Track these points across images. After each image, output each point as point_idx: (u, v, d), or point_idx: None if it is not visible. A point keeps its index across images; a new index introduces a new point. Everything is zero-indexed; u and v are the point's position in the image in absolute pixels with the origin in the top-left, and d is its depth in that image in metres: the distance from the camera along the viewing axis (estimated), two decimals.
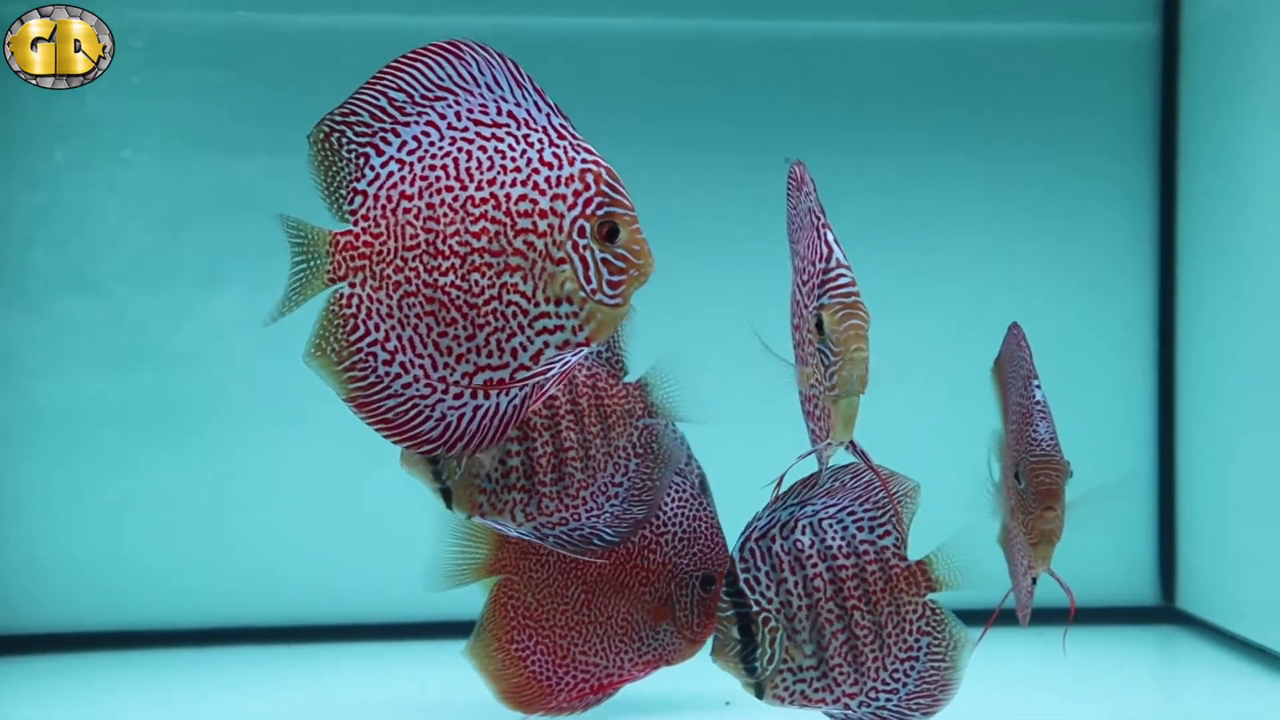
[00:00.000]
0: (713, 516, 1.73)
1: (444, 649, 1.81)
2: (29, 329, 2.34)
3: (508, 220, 1.34)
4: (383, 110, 1.38)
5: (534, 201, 1.33)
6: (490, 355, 1.35)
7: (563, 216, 1.33)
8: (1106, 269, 2.53)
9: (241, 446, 2.37)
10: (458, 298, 1.35)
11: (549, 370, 1.34)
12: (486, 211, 1.34)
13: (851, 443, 1.44)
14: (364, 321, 1.38)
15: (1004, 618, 1.62)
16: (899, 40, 2.49)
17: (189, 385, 2.36)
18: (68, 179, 2.35)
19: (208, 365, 2.36)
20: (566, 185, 1.33)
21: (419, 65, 1.38)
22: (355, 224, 1.39)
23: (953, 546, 1.50)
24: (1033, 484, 1.50)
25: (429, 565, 1.69)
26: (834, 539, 1.49)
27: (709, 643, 1.55)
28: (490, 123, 1.36)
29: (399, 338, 1.37)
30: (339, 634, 2.38)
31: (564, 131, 1.35)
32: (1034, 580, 1.56)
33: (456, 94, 1.38)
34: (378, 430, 1.39)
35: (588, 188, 1.33)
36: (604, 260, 1.33)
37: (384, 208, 1.38)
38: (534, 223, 1.33)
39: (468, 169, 1.35)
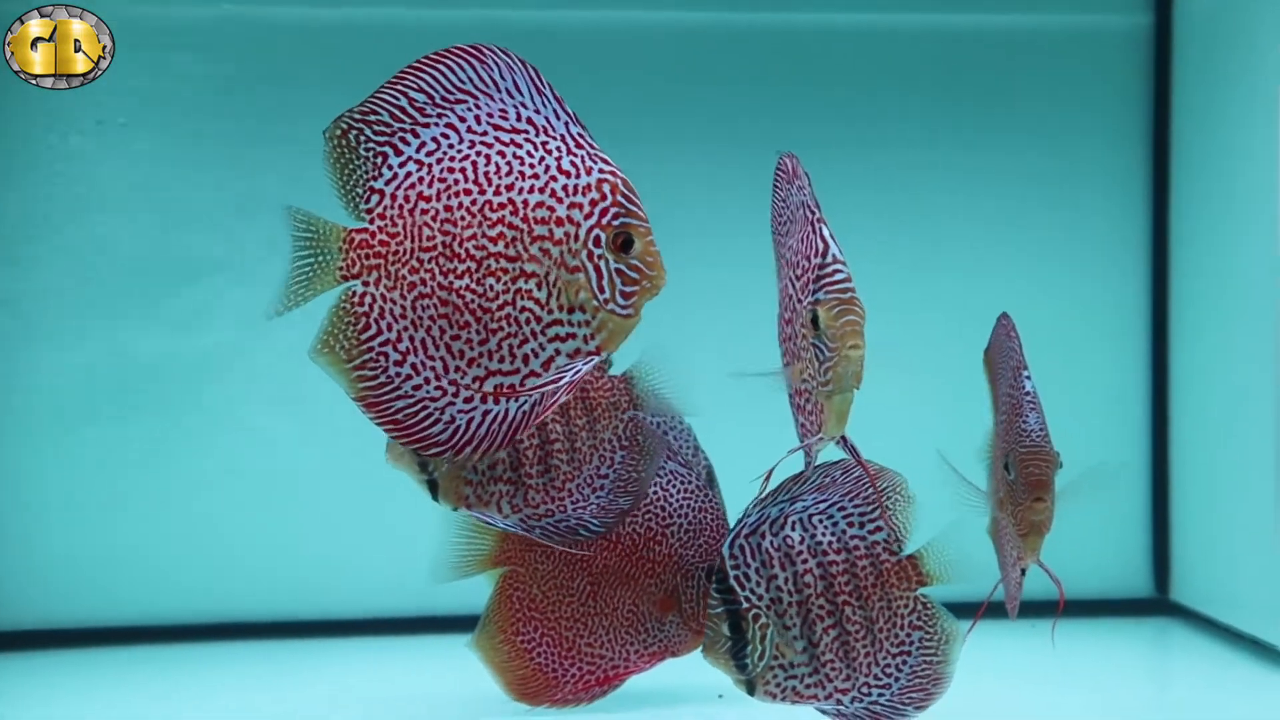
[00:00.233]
0: (719, 508, 1.73)
1: (448, 643, 1.80)
2: (25, 327, 2.33)
3: (524, 226, 1.34)
4: (403, 110, 1.39)
5: (551, 209, 1.34)
6: (502, 360, 1.36)
7: (579, 225, 1.34)
8: (1099, 261, 2.54)
9: (243, 440, 2.36)
10: (472, 301, 1.36)
11: (561, 378, 1.35)
12: (504, 217, 1.35)
13: (842, 437, 1.44)
14: (376, 321, 1.38)
15: (997, 610, 1.62)
16: (891, 32, 2.49)
17: (190, 380, 2.36)
18: (61, 172, 2.34)
19: (208, 358, 2.36)
20: (583, 194, 1.34)
21: (440, 67, 1.39)
22: (371, 222, 1.39)
23: (943, 541, 1.50)
24: (1022, 475, 1.51)
25: (434, 557, 1.70)
26: (824, 535, 1.49)
27: None
28: (510, 128, 1.37)
29: (411, 339, 1.37)
30: (343, 629, 2.38)
31: (581, 140, 1.36)
32: (1023, 572, 1.56)
33: (477, 97, 1.38)
34: (386, 430, 1.40)
35: (604, 198, 1.34)
36: (618, 270, 1.34)
37: (401, 208, 1.38)
38: (550, 230, 1.34)
39: (486, 173, 1.36)
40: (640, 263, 1.34)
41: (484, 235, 1.35)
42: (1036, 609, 1.67)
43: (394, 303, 1.38)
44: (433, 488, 1.60)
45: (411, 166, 1.38)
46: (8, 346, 2.33)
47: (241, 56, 2.37)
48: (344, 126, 1.39)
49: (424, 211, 1.37)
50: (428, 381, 1.37)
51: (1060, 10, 2.52)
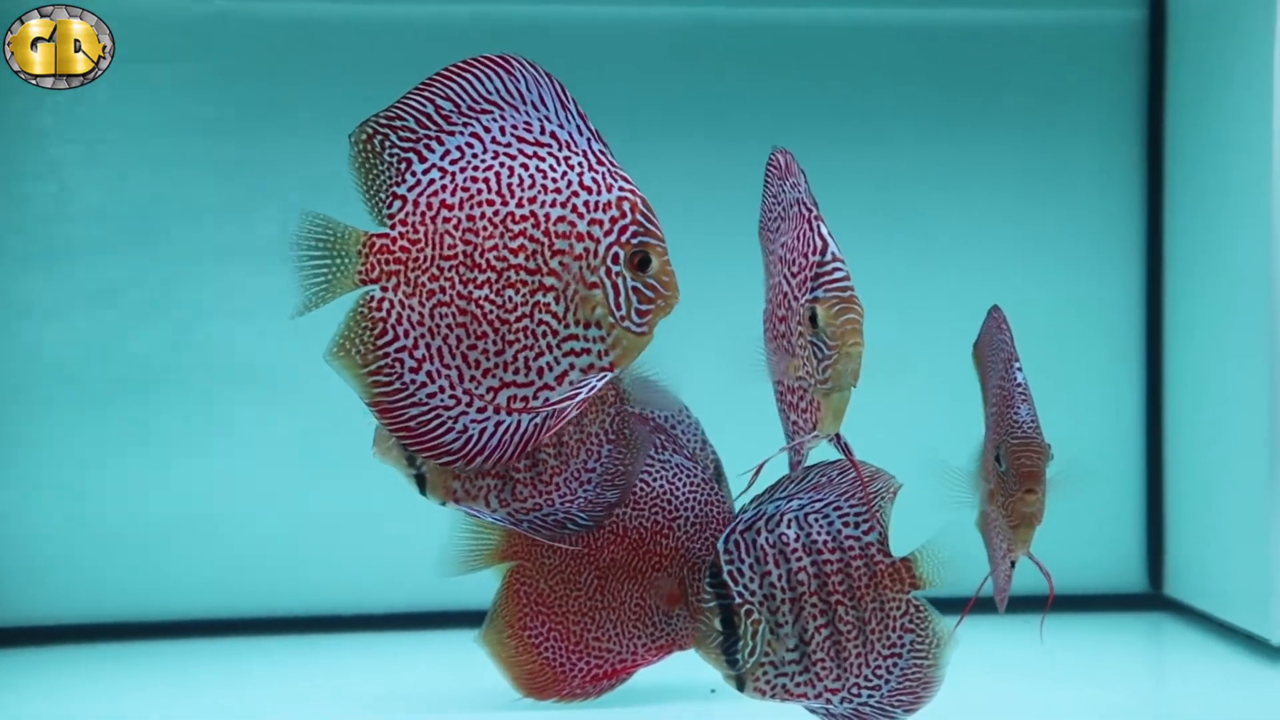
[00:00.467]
0: (726, 502, 1.73)
1: (448, 639, 1.80)
2: (16, 324, 2.33)
3: (545, 240, 1.35)
4: (428, 117, 1.39)
5: (572, 224, 1.35)
6: (517, 372, 1.37)
7: (598, 241, 1.35)
8: (1093, 256, 2.54)
9: (248, 434, 2.36)
10: (490, 312, 1.36)
11: (575, 395, 1.36)
12: (526, 229, 1.36)
13: (836, 436, 1.44)
14: (394, 327, 1.38)
15: (988, 605, 1.62)
16: (884, 27, 2.48)
17: (192, 375, 2.35)
18: (49, 168, 2.33)
19: (211, 352, 2.36)
20: (604, 211, 1.35)
21: (468, 76, 1.39)
22: (392, 228, 1.39)
23: (937, 543, 1.50)
24: (1013, 466, 1.50)
25: (441, 552, 1.70)
26: (819, 533, 1.49)
27: None
28: (533, 141, 1.38)
29: (428, 346, 1.38)
30: (349, 624, 2.38)
31: (603, 157, 1.37)
32: (1013, 564, 1.56)
33: (503, 109, 1.39)
34: (399, 437, 1.40)
35: (624, 215, 1.35)
36: (634, 288, 1.35)
37: (423, 215, 1.38)
38: (570, 245, 1.35)
39: (509, 185, 1.37)
40: (656, 281, 1.36)
41: (505, 246, 1.36)
42: (1030, 603, 1.67)
43: (412, 309, 1.38)
44: (420, 482, 1.59)
45: (435, 174, 1.39)
46: None
47: (233, 51, 2.36)
48: (369, 131, 1.39)
49: (446, 220, 1.37)
50: (442, 390, 1.38)
51: (1054, 5, 2.51)
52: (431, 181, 1.39)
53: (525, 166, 1.37)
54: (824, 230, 1.41)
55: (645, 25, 2.44)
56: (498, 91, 1.38)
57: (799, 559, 1.48)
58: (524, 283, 1.36)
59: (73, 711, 1.90)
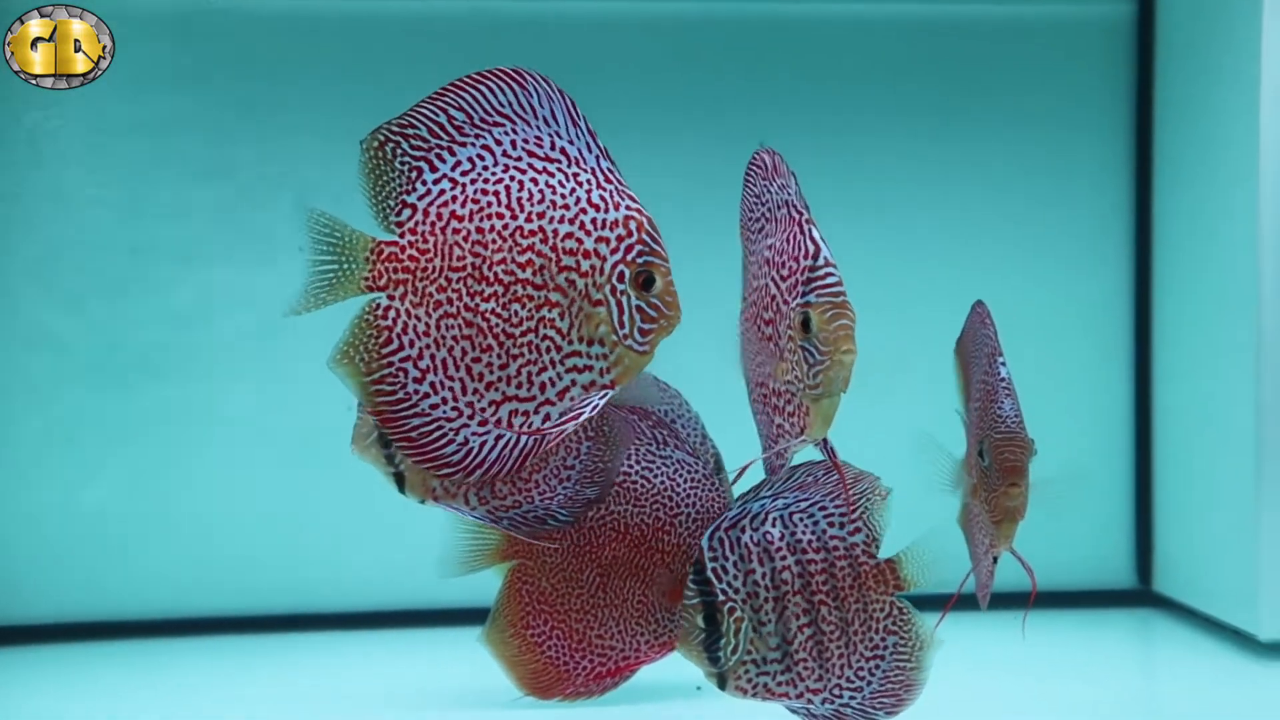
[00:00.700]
0: (726, 497, 1.72)
1: (457, 635, 1.79)
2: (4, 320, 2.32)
3: (553, 256, 1.36)
4: (441, 127, 1.39)
5: (579, 241, 1.36)
6: (519, 386, 1.37)
7: (605, 259, 1.36)
8: (1083, 252, 2.55)
9: (246, 430, 2.37)
10: (496, 325, 1.37)
11: (579, 415, 1.36)
12: (534, 244, 1.36)
13: (823, 439, 1.43)
14: (399, 336, 1.38)
15: (969, 601, 1.62)
16: (872, 22, 2.48)
17: (188, 372, 2.36)
18: (33, 166, 2.33)
19: (203, 349, 2.36)
20: (611, 230, 1.36)
21: (482, 88, 1.39)
22: (401, 236, 1.39)
23: (923, 545, 1.49)
24: (997, 461, 1.51)
25: (442, 552, 1.70)
26: (804, 533, 1.49)
27: None
28: (544, 156, 1.38)
29: (432, 357, 1.38)
30: (349, 622, 2.39)
31: (611, 176, 1.38)
32: (995, 560, 1.56)
33: (514, 122, 1.39)
34: (399, 447, 1.40)
35: (630, 234, 1.36)
36: (638, 307, 1.36)
37: (433, 225, 1.38)
38: (577, 261, 1.36)
39: (519, 199, 1.37)
40: (660, 301, 1.37)
41: (513, 261, 1.36)
42: (1020, 600, 1.67)
43: (418, 319, 1.38)
44: (399, 480, 1.58)
45: (445, 184, 1.39)
46: None
47: (218, 44, 2.36)
48: (381, 138, 1.39)
49: (456, 231, 1.37)
50: (445, 401, 1.38)
51: (1043, 0, 2.50)
52: (442, 192, 1.39)
53: (535, 181, 1.37)
54: (816, 234, 1.41)
55: (638, 21, 2.44)
56: (510, 105, 1.39)
57: (783, 557, 1.48)
58: (530, 297, 1.36)
59: (73, 711, 1.90)
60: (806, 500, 1.51)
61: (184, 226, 2.35)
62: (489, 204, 1.37)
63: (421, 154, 1.39)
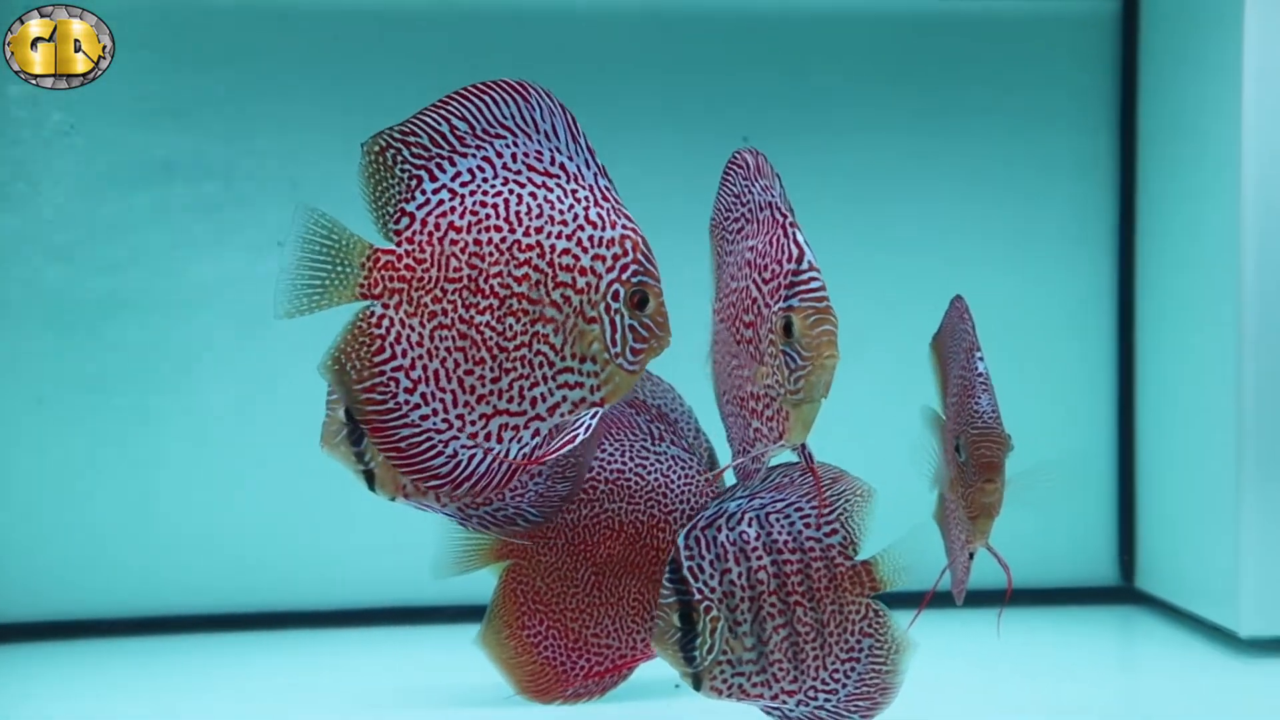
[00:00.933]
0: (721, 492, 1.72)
1: (451, 633, 1.78)
2: None
3: (549, 271, 1.36)
4: (443, 136, 1.38)
5: (576, 258, 1.36)
6: (511, 400, 1.37)
7: (600, 277, 1.36)
8: (1066, 247, 2.55)
9: (244, 428, 2.37)
10: (490, 339, 1.36)
11: (575, 437, 1.36)
12: (531, 259, 1.36)
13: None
14: (392, 345, 1.37)
15: (965, 598, 1.62)
16: (854, 16, 2.47)
17: (184, 369, 2.35)
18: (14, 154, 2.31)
19: (201, 347, 2.36)
20: (607, 248, 1.36)
21: (485, 99, 1.38)
22: (399, 244, 1.38)
23: (900, 547, 1.49)
24: (973, 457, 1.51)
25: (436, 552, 1.69)
26: (780, 533, 1.49)
27: None
28: (543, 170, 1.38)
29: (425, 368, 1.37)
30: (343, 619, 2.39)
31: (608, 194, 1.38)
32: (971, 556, 1.55)
33: (516, 134, 1.38)
34: (387, 457, 1.39)
35: (625, 254, 1.36)
36: (631, 326, 1.37)
37: (430, 234, 1.38)
38: (573, 278, 1.36)
39: (517, 212, 1.37)
40: (652, 322, 1.37)
41: (510, 274, 1.36)
42: (1013, 596, 1.67)
43: (412, 329, 1.37)
44: (369, 478, 1.57)
45: (444, 194, 1.38)
46: None
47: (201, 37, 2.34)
48: (383, 143, 1.38)
49: (454, 242, 1.37)
50: (435, 413, 1.37)
51: None
52: (441, 202, 1.38)
53: (534, 195, 1.37)
54: (800, 238, 1.40)
55: (617, 14, 2.42)
56: (512, 117, 1.38)
57: (759, 557, 1.48)
58: (525, 312, 1.36)
59: (74, 711, 1.90)
60: (783, 501, 1.50)
61: (168, 222, 2.34)
62: (487, 216, 1.37)
63: (422, 162, 1.38)
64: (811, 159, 2.43)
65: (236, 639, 2.31)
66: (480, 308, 1.36)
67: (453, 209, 1.37)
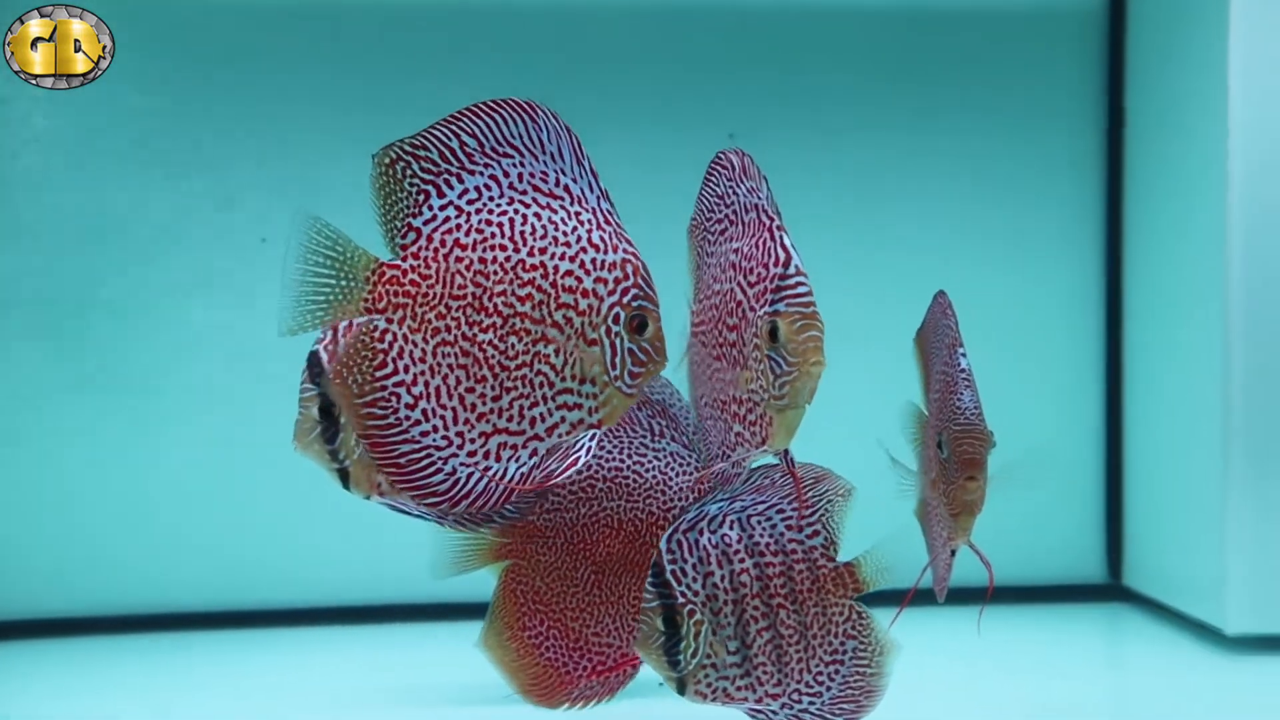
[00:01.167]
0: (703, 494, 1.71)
1: (447, 630, 1.77)
2: None
3: (552, 292, 1.37)
4: (453, 153, 1.39)
5: (579, 279, 1.37)
6: (510, 419, 1.38)
7: (602, 300, 1.37)
8: (1054, 243, 2.56)
9: (240, 426, 2.37)
10: (492, 357, 1.36)
11: (577, 460, 1.37)
12: (535, 279, 1.37)
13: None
14: (394, 360, 1.37)
15: (952, 597, 1.62)
16: (843, 13, 2.47)
17: (182, 368, 2.35)
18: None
19: (198, 345, 2.36)
20: (609, 271, 1.37)
21: (495, 117, 1.39)
22: (404, 259, 1.38)
23: (884, 548, 1.48)
24: (955, 453, 1.51)
25: (434, 552, 1.68)
26: (762, 536, 1.48)
27: None
28: (548, 191, 1.39)
29: (426, 384, 1.37)
30: (340, 616, 2.40)
31: (610, 217, 1.39)
32: (953, 553, 1.55)
33: (523, 155, 1.39)
34: (385, 473, 1.39)
35: (627, 277, 1.37)
36: (630, 350, 1.38)
37: (436, 251, 1.38)
38: (576, 300, 1.37)
39: (522, 232, 1.37)
40: (650, 346, 1.39)
41: (513, 294, 1.36)
42: (1001, 594, 1.67)
43: (415, 345, 1.37)
44: (344, 476, 1.55)
45: (451, 211, 1.38)
46: None
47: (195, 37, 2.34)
48: (393, 155, 1.38)
49: (459, 259, 1.37)
50: (435, 430, 1.37)
51: None
52: (448, 219, 1.38)
53: (539, 216, 1.37)
54: (787, 241, 1.39)
55: (613, 10, 2.42)
56: (520, 137, 1.38)
57: (741, 560, 1.47)
58: (528, 331, 1.36)
59: (69, 708, 1.90)
60: (764, 503, 1.49)
61: (168, 221, 2.34)
62: (493, 235, 1.37)
63: (430, 177, 1.38)
64: (801, 156, 2.43)
65: (232, 636, 2.32)
66: (484, 326, 1.36)
67: (459, 226, 1.38)
